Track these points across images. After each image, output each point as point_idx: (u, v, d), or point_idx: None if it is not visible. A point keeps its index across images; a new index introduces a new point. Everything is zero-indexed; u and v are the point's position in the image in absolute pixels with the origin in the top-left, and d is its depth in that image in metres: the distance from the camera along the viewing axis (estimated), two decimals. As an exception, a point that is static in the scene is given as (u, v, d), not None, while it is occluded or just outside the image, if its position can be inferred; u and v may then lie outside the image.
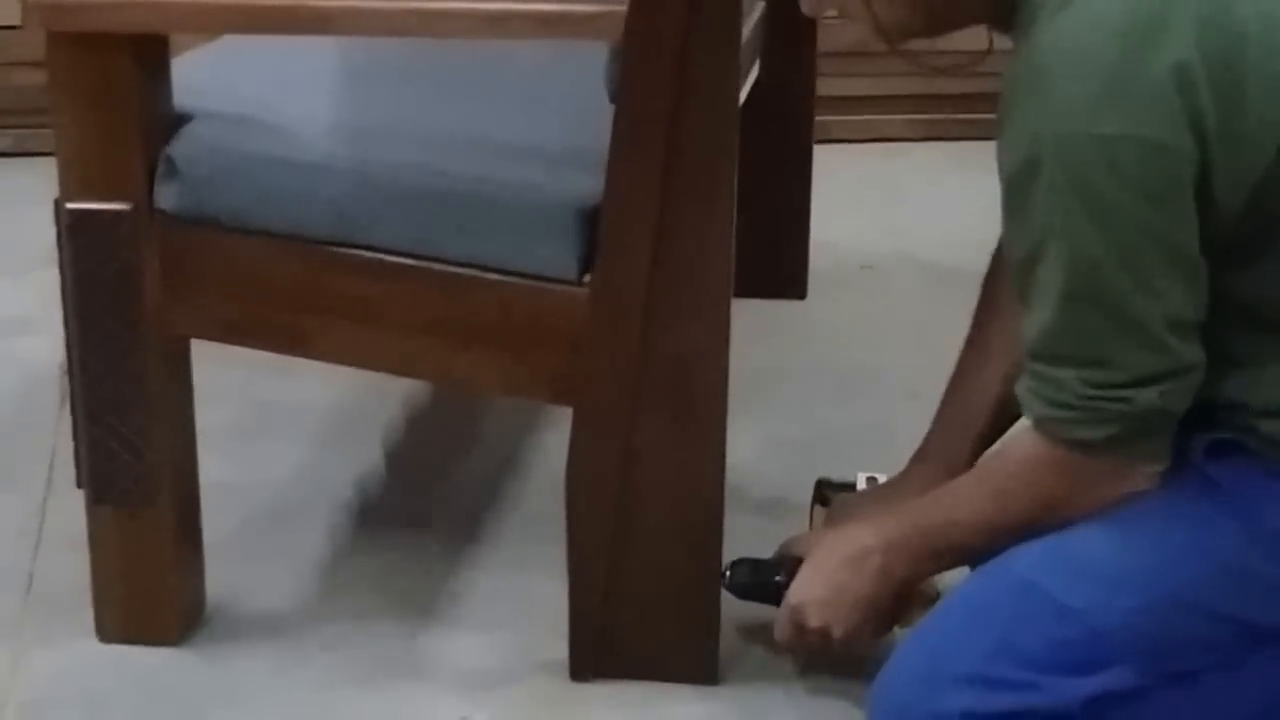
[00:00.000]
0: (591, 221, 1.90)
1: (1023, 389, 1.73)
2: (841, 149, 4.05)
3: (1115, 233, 1.61)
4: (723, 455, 1.94)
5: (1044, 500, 1.78)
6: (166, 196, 1.95)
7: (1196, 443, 1.76)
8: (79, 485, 2.03)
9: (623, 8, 1.83)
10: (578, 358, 1.92)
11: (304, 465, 2.58)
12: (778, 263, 3.22)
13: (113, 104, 1.92)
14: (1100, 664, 1.75)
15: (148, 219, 1.94)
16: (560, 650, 2.01)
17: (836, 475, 2.22)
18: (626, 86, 1.85)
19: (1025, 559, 1.82)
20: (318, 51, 2.29)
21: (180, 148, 1.95)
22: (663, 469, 1.94)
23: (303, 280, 1.98)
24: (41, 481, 2.48)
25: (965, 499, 1.89)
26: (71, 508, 2.09)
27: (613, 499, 1.95)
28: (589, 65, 1.94)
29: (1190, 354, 1.66)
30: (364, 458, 2.61)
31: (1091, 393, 1.67)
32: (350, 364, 2.05)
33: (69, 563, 2.13)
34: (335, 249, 1.95)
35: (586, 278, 1.91)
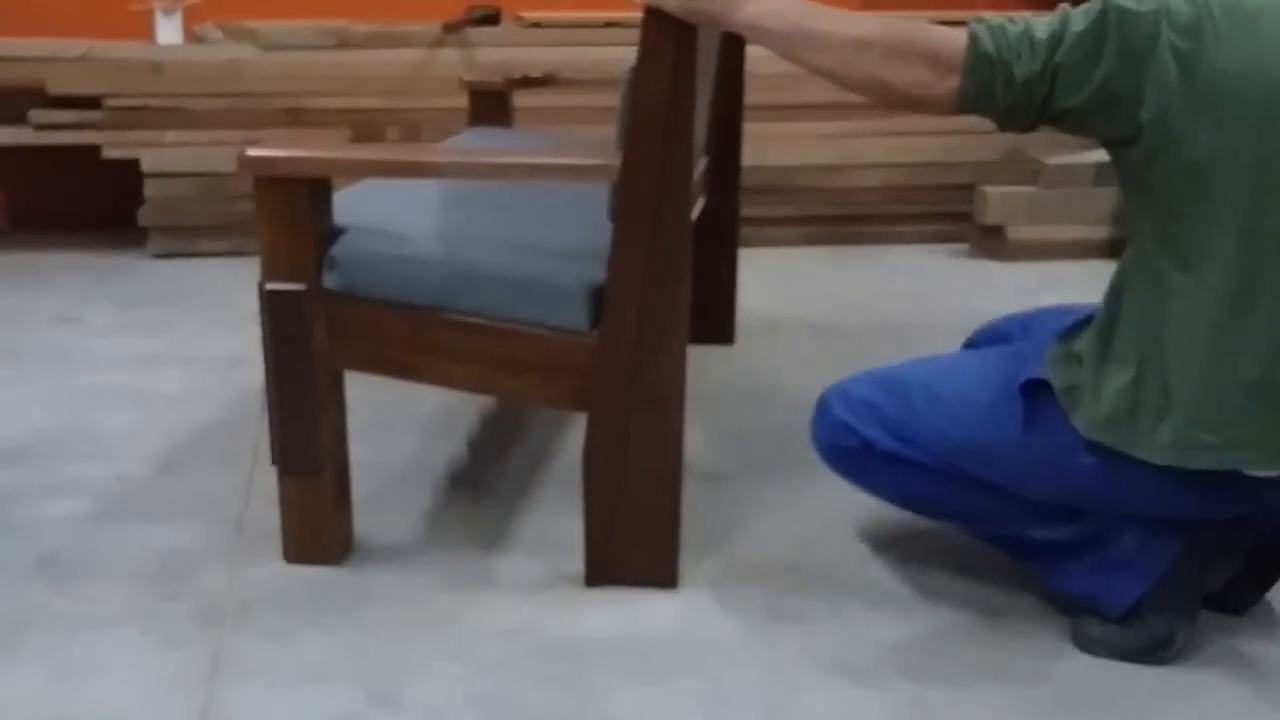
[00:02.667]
0: (599, 295, 1.91)
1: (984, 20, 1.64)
2: (756, 250, 4.07)
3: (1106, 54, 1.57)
4: (681, 442, 1.94)
5: (907, 48, 1.63)
6: (329, 280, 1.96)
7: (1020, 377, 1.78)
8: (273, 462, 2.03)
9: (619, 161, 1.86)
10: (591, 381, 1.92)
11: (415, 451, 2.57)
12: (716, 321, 3.23)
13: (295, 222, 1.92)
14: (908, 444, 1.85)
15: (317, 294, 1.95)
16: (578, 566, 2.01)
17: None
18: (621, 211, 1.86)
19: (911, 372, 1.92)
20: (424, 186, 2.30)
21: (338, 249, 1.96)
22: (644, 451, 1.93)
23: (414, 333, 1.97)
24: (249, 459, 2.48)
25: (859, 18, 1.71)
26: (268, 476, 2.10)
27: (613, 470, 1.95)
28: (595, 195, 1.96)
29: (1055, 101, 1.61)
30: (452, 446, 2.60)
31: (1013, 40, 1.60)
32: (445, 386, 2.04)
33: (266, 512, 2.14)
34: (435, 313, 1.95)
35: (596, 330, 1.91)
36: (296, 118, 4.16)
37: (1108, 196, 4.25)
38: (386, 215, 2.09)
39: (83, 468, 2.46)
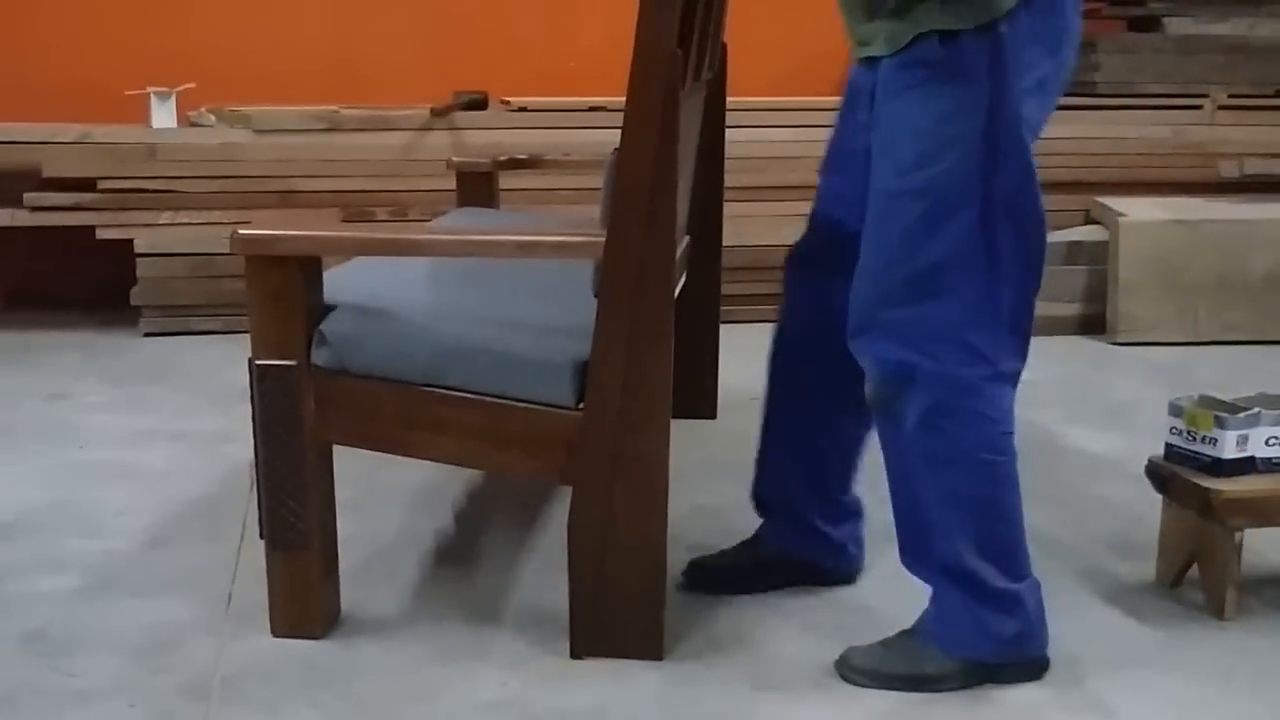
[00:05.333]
0: (584, 371, 1.91)
1: None
2: (736, 325, 4.08)
3: None
4: (665, 515, 1.94)
5: None
6: (319, 356, 1.97)
7: None
8: (261, 536, 2.02)
9: (603, 238, 1.87)
10: (575, 456, 1.92)
11: (402, 524, 2.55)
12: (699, 395, 3.23)
13: (285, 300, 1.94)
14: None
15: (307, 370, 1.96)
16: (563, 639, 1.99)
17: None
18: (605, 288, 1.88)
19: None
20: (412, 264, 2.30)
21: (328, 326, 1.97)
22: (628, 524, 1.93)
23: (404, 408, 1.97)
24: (237, 534, 2.46)
25: None
26: (255, 551, 2.08)
27: (598, 543, 1.94)
28: (579, 273, 1.97)
29: None
30: (439, 519, 2.58)
31: None
32: (433, 460, 2.04)
33: (253, 586, 2.12)
34: (425, 388, 1.96)
35: (581, 405, 1.92)
36: (288, 199, 4.18)
37: (1078, 274, 4.29)
38: (375, 293, 2.09)
39: (72, 543, 2.44)
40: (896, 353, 1.82)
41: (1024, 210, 1.80)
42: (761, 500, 2.23)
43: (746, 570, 2.21)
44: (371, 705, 1.84)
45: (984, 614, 1.89)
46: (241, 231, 1.93)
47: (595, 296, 1.89)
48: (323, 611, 2.05)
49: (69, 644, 2.03)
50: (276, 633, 2.04)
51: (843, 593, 2.24)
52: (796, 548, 2.21)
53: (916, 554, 1.93)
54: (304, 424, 1.95)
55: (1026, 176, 1.80)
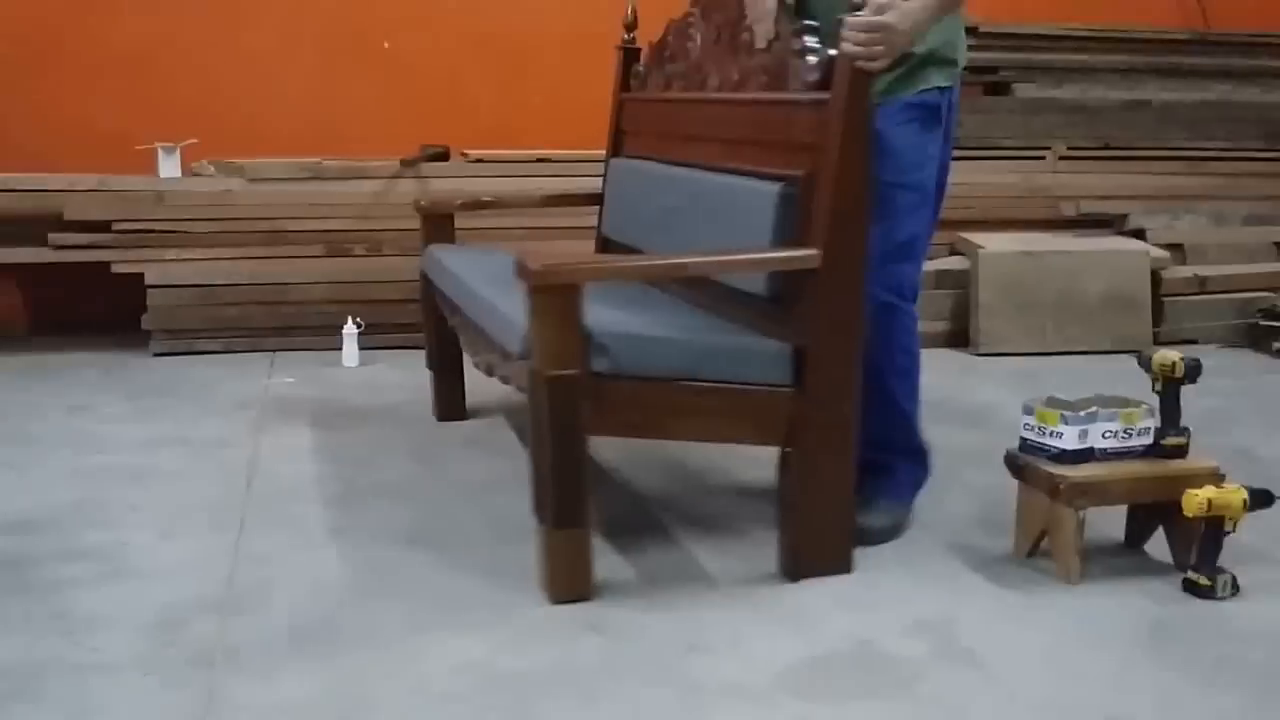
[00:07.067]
0: (801, 356, 2.18)
1: None
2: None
3: None
4: (853, 465, 2.19)
5: None
6: (596, 364, 2.11)
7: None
8: (542, 521, 2.10)
9: (819, 252, 2.09)
10: (795, 423, 2.18)
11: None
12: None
13: (569, 320, 2.05)
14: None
15: (586, 376, 2.09)
16: (772, 565, 2.22)
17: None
18: (822, 289, 2.09)
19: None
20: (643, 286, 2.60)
21: (606, 338, 2.10)
22: (828, 473, 2.17)
23: (664, 400, 2.14)
24: (236, 526, 2.53)
25: None
26: (252, 539, 2.10)
27: (803, 484, 2.18)
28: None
29: None
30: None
31: None
32: (682, 440, 2.36)
33: (252, 569, 2.18)
34: (679, 382, 2.13)
35: (794, 386, 2.16)
36: (277, 238, 4.15)
37: (945, 296, 4.37)
38: (629, 313, 2.31)
39: (92, 535, 2.47)
40: (885, 296, 2.36)
41: (940, 208, 2.49)
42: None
43: None
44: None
45: (918, 470, 2.53)
46: (535, 266, 2.05)
47: (770, 301, 2.20)
48: (591, 576, 2.19)
49: (90, 623, 2.06)
50: (556, 599, 2.15)
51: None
52: None
53: (890, 444, 2.44)
54: (580, 420, 2.10)
55: (945, 188, 2.53)
